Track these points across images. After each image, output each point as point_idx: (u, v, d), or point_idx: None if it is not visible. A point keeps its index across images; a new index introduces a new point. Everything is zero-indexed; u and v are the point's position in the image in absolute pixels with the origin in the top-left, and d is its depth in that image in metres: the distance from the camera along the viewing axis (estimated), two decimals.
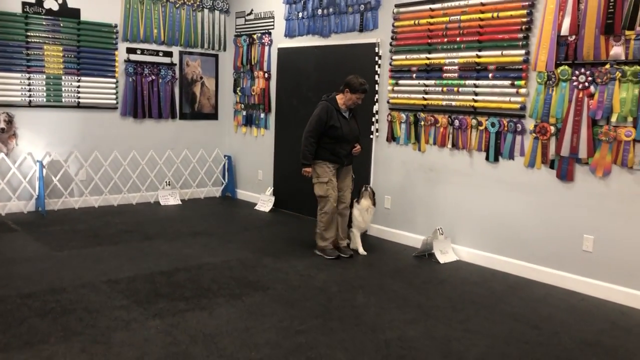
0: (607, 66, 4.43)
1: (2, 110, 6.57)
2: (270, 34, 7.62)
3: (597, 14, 4.47)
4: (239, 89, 8.20)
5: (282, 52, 7.45)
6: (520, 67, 4.99)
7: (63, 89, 6.97)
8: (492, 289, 4.68)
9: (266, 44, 7.67)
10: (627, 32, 4.33)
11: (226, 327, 3.63)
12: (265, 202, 7.65)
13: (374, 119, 6.28)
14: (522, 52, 4.97)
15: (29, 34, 6.66)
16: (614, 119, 4.42)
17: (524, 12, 4.93)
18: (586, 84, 4.55)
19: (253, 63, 7.91)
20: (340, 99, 5.26)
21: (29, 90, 6.72)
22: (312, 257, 5.34)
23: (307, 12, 7.00)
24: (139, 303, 3.99)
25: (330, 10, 6.69)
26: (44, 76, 6.81)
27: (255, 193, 8.02)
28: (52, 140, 6.94)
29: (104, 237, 5.78)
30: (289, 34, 7.30)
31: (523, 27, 4.95)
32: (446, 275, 4.98)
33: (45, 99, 6.85)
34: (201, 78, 8.20)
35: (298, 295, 4.30)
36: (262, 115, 7.84)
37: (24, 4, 6.61)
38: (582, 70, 4.57)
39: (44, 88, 6.82)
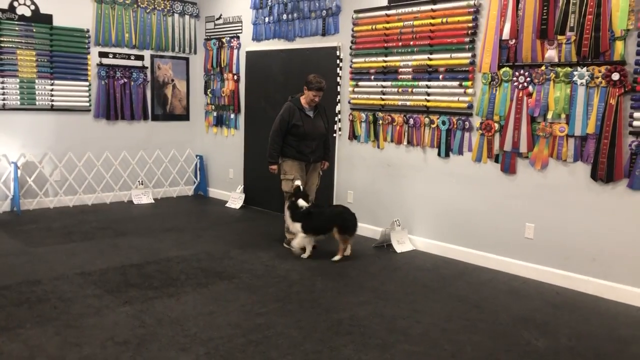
0: (543, 68, 4.83)
1: None
2: (238, 37, 7.93)
3: (533, 20, 4.87)
4: (209, 90, 8.49)
5: (250, 55, 7.76)
6: (467, 69, 5.37)
7: (37, 92, 7.19)
8: (442, 274, 5.05)
9: (235, 47, 7.97)
10: (559, 37, 4.73)
11: (192, 312, 3.94)
12: (235, 200, 7.95)
13: (336, 119, 6.62)
14: (469, 54, 5.36)
15: (2, 39, 6.87)
16: (549, 116, 4.83)
17: (470, 17, 5.32)
18: (525, 84, 4.95)
19: (223, 66, 8.20)
20: (302, 98, 5.57)
21: (3, 94, 6.93)
22: (279, 248, 5.66)
23: (273, 17, 7.32)
24: (110, 292, 4.27)
25: (295, 15, 7.02)
26: (18, 80, 7.03)
27: (226, 191, 8.31)
28: (27, 142, 7.16)
29: (77, 234, 6.03)
30: (256, 37, 7.61)
31: (469, 31, 5.34)
32: (401, 263, 5.35)
33: (19, 102, 7.06)
34: (172, 80, 8.46)
35: (261, 283, 4.62)
36: (232, 116, 8.14)
37: None
38: (522, 71, 4.96)
39: (18, 91, 7.04)
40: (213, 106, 8.46)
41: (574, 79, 4.64)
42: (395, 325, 3.82)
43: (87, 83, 7.58)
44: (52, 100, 7.32)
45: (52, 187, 7.40)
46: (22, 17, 7.01)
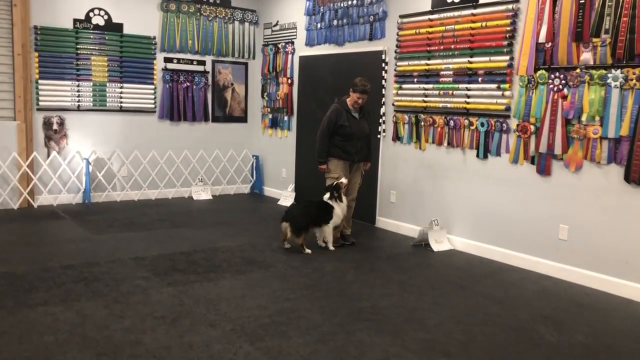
0: (578, 70, 4.86)
1: (55, 113, 7.49)
2: (293, 43, 8.30)
3: (569, 23, 4.91)
4: (265, 94, 8.91)
5: (303, 59, 8.11)
6: (505, 71, 5.46)
7: (107, 94, 7.84)
8: (473, 272, 5.16)
9: (289, 52, 8.35)
10: (594, 40, 4.76)
11: (226, 295, 4.29)
12: (287, 198, 8.31)
13: (381, 120, 6.84)
14: (507, 57, 5.45)
15: (78, 46, 7.56)
16: (584, 118, 4.85)
17: (508, 21, 5.41)
18: (560, 86, 5.00)
19: (278, 70, 8.60)
20: (349, 100, 5.79)
21: (78, 96, 7.62)
22: (313, 240, 5.89)
23: (324, 23, 7.63)
24: (157, 275, 4.71)
25: (344, 21, 7.31)
26: (91, 83, 7.71)
27: (279, 190, 8.69)
28: (98, 140, 7.83)
29: (138, 225, 6.56)
30: (309, 43, 7.95)
31: (507, 35, 5.43)
32: (435, 261, 5.50)
33: (92, 104, 7.74)
34: (232, 84, 8.95)
35: (295, 273, 4.92)
36: (286, 118, 8.52)
37: (74, 21, 7.52)
38: (557, 74, 5.01)
39: (91, 94, 7.72)
40: (269, 109, 8.87)
41: (608, 81, 4.66)
42: (413, 315, 4.01)
43: (152, 86, 8.18)
44: (121, 102, 7.96)
45: (119, 182, 8.04)
46: (96, 26, 7.69)
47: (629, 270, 4.62)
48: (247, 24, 8.96)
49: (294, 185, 8.37)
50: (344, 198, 5.67)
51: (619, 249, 4.68)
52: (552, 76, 5.05)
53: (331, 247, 5.75)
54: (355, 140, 5.78)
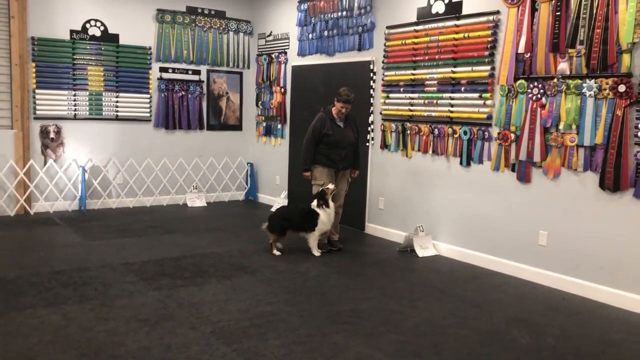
0: (555, 80, 4.99)
1: (52, 122, 7.66)
2: (286, 53, 8.46)
3: (546, 34, 5.05)
4: (260, 102, 9.07)
5: (295, 69, 8.27)
6: (487, 81, 5.60)
7: (104, 103, 8.02)
8: (455, 277, 5.27)
9: (282, 62, 8.51)
10: (570, 50, 4.89)
11: (210, 299, 4.42)
12: (280, 204, 8.42)
13: (369, 129, 6.98)
14: (488, 67, 5.58)
15: (75, 57, 7.74)
16: (561, 126, 4.98)
17: (489, 32, 5.55)
18: (539, 95, 5.12)
19: (272, 79, 8.76)
20: (334, 109, 5.97)
21: (75, 105, 7.80)
22: (303, 245, 6.02)
23: (315, 34, 7.79)
24: (145, 280, 4.84)
25: (334, 31, 7.46)
26: (87, 93, 7.88)
27: (273, 196, 8.83)
28: (94, 148, 7.99)
29: (131, 231, 6.71)
30: (301, 53, 8.10)
31: (488, 45, 5.56)
32: (418, 267, 5.61)
33: (88, 113, 7.91)
34: (227, 93, 9.11)
35: (280, 277, 5.05)
36: (279, 126, 8.67)
37: (71, 32, 7.70)
38: (536, 83, 5.14)
39: (87, 103, 7.89)
40: (263, 117, 9.03)
41: (583, 90, 4.79)
42: (390, 318, 4.13)
43: (148, 95, 8.35)
44: (117, 111, 8.13)
45: (114, 190, 8.19)
46: (92, 37, 7.86)
47: (604, 275, 4.73)
48: (241, 34, 9.13)
49: (286, 192, 8.50)
50: (330, 204, 5.79)
51: (595, 255, 4.79)
52: (531, 85, 5.18)
53: (315, 253, 5.85)
54: (340, 148, 5.94)
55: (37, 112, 7.55)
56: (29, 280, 4.71)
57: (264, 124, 9.01)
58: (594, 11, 4.68)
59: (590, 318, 4.32)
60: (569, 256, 4.98)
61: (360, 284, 4.94)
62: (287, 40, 8.41)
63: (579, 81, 4.81)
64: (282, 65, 8.52)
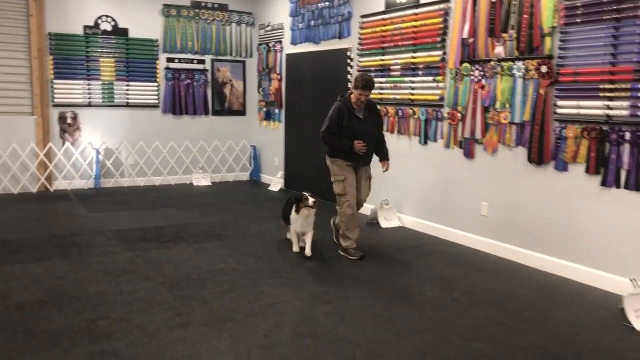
0: (492, 63, 5.41)
1: (69, 109, 8.54)
2: (281, 42, 9.06)
3: (485, 20, 5.46)
4: (261, 89, 9.72)
5: (289, 57, 8.86)
6: (439, 65, 6.04)
7: (115, 92, 8.84)
8: (403, 245, 5.78)
9: (278, 51, 9.12)
10: (504, 35, 5.30)
11: (174, 258, 5.11)
12: (276, 184, 9.09)
13: None
14: (441, 52, 6.03)
15: (88, 50, 8.58)
16: (497, 106, 5.40)
17: (441, 19, 5.99)
18: (480, 77, 5.55)
19: (270, 67, 9.38)
20: (352, 97, 5.18)
21: (89, 94, 8.65)
22: (279, 218, 6.59)
23: (305, 24, 8.35)
24: (125, 243, 5.59)
25: (320, 21, 8.00)
26: (101, 82, 8.71)
27: (274, 177, 9.48)
28: (107, 133, 8.84)
29: (132, 206, 7.50)
30: (293, 42, 8.69)
31: (440, 32, 6.01)
32: (378, 236, 6.14)
33: (101, 101, 8.75)
34: (230, 81, 9.80)
35: (244, 243, 5.69)
36: (277, 111, 9.30)
37: (85, 27, 8.54)
38: (477, 66, 5.57)
39: (101, 92, 8.73)
40: (264, 102, 9.67)
41: (514, 72, 5.20)
42: (320, 274, 4.71)
43: (156, 84, 9.12)
44: (128, 99, 8.94)
45: (127, 170, 9.04)
46: (104, 32, 8.68)
47: (532, 241, 5.16)
48: (244, 25, 9.78)
49: (283, 172, 9.14)
50: (302, 212, 5.20)
51: (525, 223, 5.22)
52: (474, 69, 5.61)
53: (294, 249, 5.41)
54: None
55: (56, 100, 8.43)
56: (28, 242, 5.53)
57: (265, 109, 9.66)
58: None
59: (507, 278, 4.77)
60: (505, 225, 5.42)
61: (318, 252, 5.48)
62: (282, 31, 9.00)
63: (511, 63, 5.22)
64: (279, 54, 9.13)
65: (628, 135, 4.34)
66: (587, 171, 4.65)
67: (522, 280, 4.74)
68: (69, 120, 8.53)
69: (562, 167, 4.86)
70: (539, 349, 3.43)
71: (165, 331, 3.53)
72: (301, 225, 5.30)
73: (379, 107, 6.73)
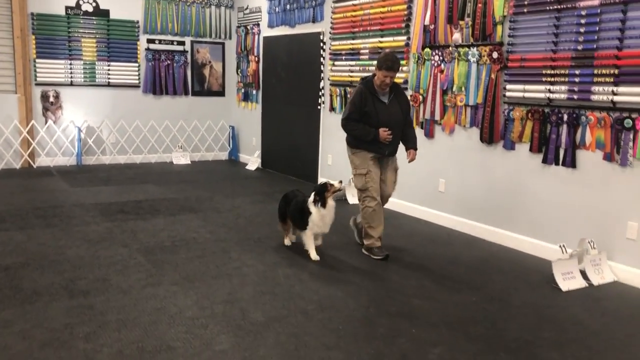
0: (450, 48, 5.78)
1: (51, 88, 8.79)
2: (259, 25, 9.35)
3: (445, 8, 5.82)
4: (239, 70, 10.02)
5: (266, 40, 9.16)
6: (404, 50, 6.40)
7: (97, 71, 9.10)
8: None
9: (256, 33, 9.41)
10: (460, 22, 5.67)
11: (150, 228, 5.47)
12: (252, 163, 9.45)
13: (320, 93, 7.86)
14: (405, 37, 6.38)
15: (70, 30, 8.82)
16: (454, 88, 5.78)
17: (405, 6, 6.34)
18: (439, 62, 5.92)
19: (248, 49, 9.68)
20: (375, 80, 4.69)
21: (71, 73, 8.90)
22: (254, 195, 7.03)
23: (281, 7, 8.65)
24: (104, 215, 5.93)
25: (295, 5, 8.31)
26: (82, 62, 8.96)
27: (251, 156, 9.83)
28: (89, 111, 9.11)
29: (112, 181, 7.82)
30: (270, 25, 8.98)
31: (405, 18, 6.36)
32: (343, 211, 6.47)
33: (83, 80, 9.01)
34: (210, 62, 10.08)
35: (217, 216, 6.06)
36: (254, 92, 9.62)
37: (66, 8, 8.76)
38: (437, 51, 5.94)
39: (82, 71, 8.98)
40: (242, 84, 9.98)
41: (469, 57, 5.57)
42: (282, 242, 5.10)
43: (137, 64, 9.39)
44: (109, 78, 9.20)
45: (108, 148, 9.33)
46: (85, 13, 8.91)
47: (483, 214, 5.58)
48: (223, 7, 10.04)
49: (259, 151, 9.49)
50: (329, 203, 4.64)
51: (476, 198, 5.64)
52: (434, 53, 5.97)
53: (312, 256, 4.67)
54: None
55: (38, 78, 8.67)
56: (11, 212, 5.85)
57: (243, 90, 9.97)
58: None
59: (456, 247, 5.20)
60: (459, 200, 5.84)
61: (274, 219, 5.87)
62: (260, 13, 9.29)
63: (467, 49, 5.60)
64: (256, 36, 9.42)
65: (565, 117, 4.75)
66: (531, 149, 5.07)
67: (470, 249, 5.17)
68: (51, 99, 8.78)
69: (510, 146, 5.27)
70: (471, 304, 3.85)
71: (138, 289, 3.90)
72: (326, 222, 4.65)
73: (349, 88, 7.13)
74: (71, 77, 8.91)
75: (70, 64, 8.88)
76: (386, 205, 5.08)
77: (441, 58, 5.89)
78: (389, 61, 4.54)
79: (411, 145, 4.91)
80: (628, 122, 4.32)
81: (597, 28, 4.49)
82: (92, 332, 3.23)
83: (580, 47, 4.62)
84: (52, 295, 3.73)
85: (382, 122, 4.66)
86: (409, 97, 6.01)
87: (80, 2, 8.86)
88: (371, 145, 4.72)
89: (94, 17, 8.96)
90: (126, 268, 4.32)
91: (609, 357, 3.21)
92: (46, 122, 8.82)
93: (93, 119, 9.15)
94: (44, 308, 3.53)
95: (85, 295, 3.76)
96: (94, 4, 8.95)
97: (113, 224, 5.59)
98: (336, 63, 7.52)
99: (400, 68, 6.21)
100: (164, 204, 6.52)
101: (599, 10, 4.47)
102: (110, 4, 9.07)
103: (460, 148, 5.81)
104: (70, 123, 9.00)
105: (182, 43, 9.76)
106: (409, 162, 4.95)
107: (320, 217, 4.61)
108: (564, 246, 4.41)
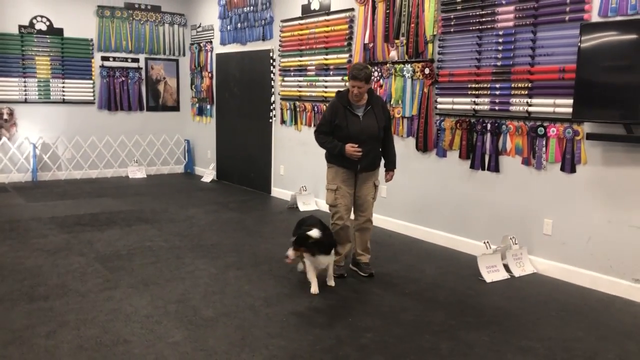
0: (388, 65, 6.25)
1: (5, 105, 8.90)
2: (211, 42, 9.69)
3: (382, 28, 6.30)
4: (193, 86, 10.32)
5: (219, 56, 9.51)
6: (346, 66, 6.85)
7: (51, 89, 9.25)
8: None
9: (209, 50, 9.75)
10: (396, 41, 6.15)
11: (106, 238, 5.71)
12: (208, 175, 9.73)
13: (272, 107, 8.24)
14: (347, 55, 6.83)
15: (24, 48, 8.96)
16: (392, 102, 6.25)
17: (347, 26, 6.79)
18: (378, 77, 6.38)
19: (202, 66, 9.99)
20: (349, 93, 4.57)
21: (25, 90, 9.03)
22: (208, 205, 7.32)
23: (232, 25, 9.02)
24: (61, 227, 6.13)
25: (246, 24, 8.69)
26: (36, 80, 9.11)
27: (206, 169, 10.11)
28: (44, 128, 9.24)
29: (68, 196, 7.99)
30: (222, 42, 9.34)
31: (347, 37, 6.81)
32: (290, 217, 6.88)
33: (37, 97, 9.15)
34: (164, 78, 10.35)
35: (172, 226, 6.34)
36: (209, 107, 9.92)
37: (20, 27, 8.92)
38: (376, 68, 6.40)
39: (37, 88, 9.12)
40: (196, 99, 10.28)
41: (404, 73, 6.05)
42: (238, 249, 5.42)
43: (91, 81, 9.58)
44: (64, 95, 9.37)
45: (63, 163, 9.46)
46: (39, 31, 9.08)
47: (420, 216, 6.04)
48: (176, 25, 10.34)
49: (215, 164, 9.79)
50: (322, 257, 4.29)
51: (414, 202, 6.09)
52: (373, 70, 6.43)
53: (312, 290, 4.31)
54: (358, 144, 4.47)
55: None
56: None
57: (197, 105, 10.26)
58: (410, 9, 5.93)
59: (395, 248, 5.63)
60: (400, 204, 6.29)
61: (239, 230, 6.19)
62: (212, 31, 9.63)
63: (402, 65, 6.07)
64: (209, 53, 9.76)
65: (489, 126, 5.26)
66: (460, 156, 5.56)
67: (409, 249, 5.61)
68: (5, 116, 8.89)
69: (442, 153, 5.76)
70: (404, 296, 4.27)
71: (96, 292, 4.17)
72: (321, 262, 4.32)
73: (298, 102, 7.53)
74: (25, 95, 9.05)
75: (25, 82, 9.02)
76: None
77: (380, 74, 6.35)
78: (355, 69, 4.42)
79: (390, 166, 4.81)
80: (541, 130, 4.85)
81: (513, 46, 5.02)
82: (53, 331, 3.50)
83: (499, 63, 5.15)
84: (13, 301, 3.96)
85: (353, 136, 4.46)
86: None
87: (34, 21, 9.02)
88: (343, 161, 4.55)
89: (47, 36, 9.13)
90: (84, 275, 4.57)
91: (520, 336, 3.65)
92: (0, 139, 8.91)
93: (48, 135, 9.29)
94: (5, 312, 3.77)
95: (45, 299, 4.01)
96: (47, 23, 9.13)
97: (70, 235, 5.81)
98: (286, 79, 7.92)
99: (345, 84, 6.71)
100: (120, 216, 6.75)
101: (513, 31, 5.01)
102: (64, 23, 9.26)
103: (399, 156, 6.19)
104: (25, 139, 9.11)
105: (136, 60, 10.00)
106: (386, 181, 4.89)
107: (312, 260, 4.29)
108: (488, 242, 4.89)
